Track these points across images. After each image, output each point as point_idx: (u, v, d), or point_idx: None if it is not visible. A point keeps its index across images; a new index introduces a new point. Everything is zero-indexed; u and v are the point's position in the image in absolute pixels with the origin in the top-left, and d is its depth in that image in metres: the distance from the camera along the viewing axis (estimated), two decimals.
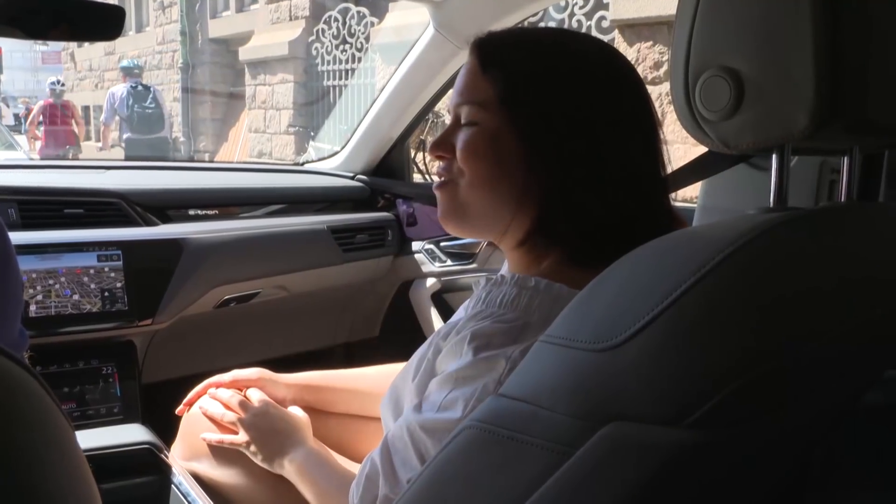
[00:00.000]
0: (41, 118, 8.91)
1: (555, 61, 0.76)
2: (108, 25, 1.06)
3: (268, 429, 1.05)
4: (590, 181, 0.74)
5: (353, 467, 1.00)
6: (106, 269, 1.43)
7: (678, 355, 0.47)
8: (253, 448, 1.05)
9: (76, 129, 9.11)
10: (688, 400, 0.46)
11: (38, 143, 8.99)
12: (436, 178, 0.84)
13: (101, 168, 1.77)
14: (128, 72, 7.76)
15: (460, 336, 0.72)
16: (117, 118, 7.70)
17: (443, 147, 0.81)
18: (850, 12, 0.53)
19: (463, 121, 0.79)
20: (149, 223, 1.57)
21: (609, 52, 0.79)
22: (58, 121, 8.82)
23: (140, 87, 7.61)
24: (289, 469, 1.01)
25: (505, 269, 0.89)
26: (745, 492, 0.61)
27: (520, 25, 1.57)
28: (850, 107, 0.54)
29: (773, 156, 0.60)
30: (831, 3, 0.52)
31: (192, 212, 1.67)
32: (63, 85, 9.47)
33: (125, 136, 7.65)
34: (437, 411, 0.71)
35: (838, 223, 0.58)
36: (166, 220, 1.61)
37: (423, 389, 0.76)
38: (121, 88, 7.59)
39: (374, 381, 1.18)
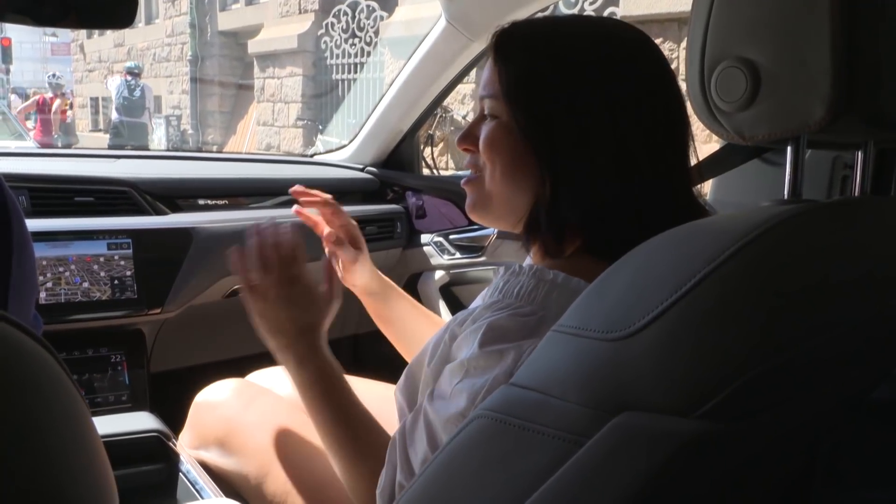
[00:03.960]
0: (32, 110, 10.66)
1: (557, 54, 0.75)
2: (120, 12, 1.06)
3: (290, 317, 0.92)
4: (590, 175, 0.73)
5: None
6: (116, 258, 1.44)
7: (691, 346, 0.47)
8: (260, 322, 0.93)
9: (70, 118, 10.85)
10: (700, 391, 0.46)
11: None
12: (464, 172, 0.86)
13: (111, 157, 1.77)
14: (129, 71, 9.77)
15: (476, 325, 0.72)
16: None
17: (468, 140, 0.82)
18: (866, 4, 0.52)
19: (486, 113, 0.80)
20: (158, 212, 1.57)
21: (628, 45, 0.77)
22: (54, 111, 10.63)
23: (133, 82, 9.66)
24: (298, 376, 0.90)
25: (528, 260, 0.89)
26: (754, 485, 0.61)
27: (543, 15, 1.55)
28: (865, 99, 0.54)
29: (788, 147, 0.59)
30: None
31: (201, 201, 1.66)
32: (59, 77, 11.25)
33: (112, 118, 9.74)
34: (448, 400, 0.71)
35: (853, 216, 0.58)
36: (176, 209, 1.61)
37: (438, 375, 0.76)
38: (117, 79, 9.90)
39: (427, 323, 1.17)
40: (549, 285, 0.72)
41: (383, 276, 1.18)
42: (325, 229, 1.13)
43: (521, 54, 0.77)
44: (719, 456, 0.49)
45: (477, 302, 0.89)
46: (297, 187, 1.13)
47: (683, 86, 0.76)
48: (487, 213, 0.83)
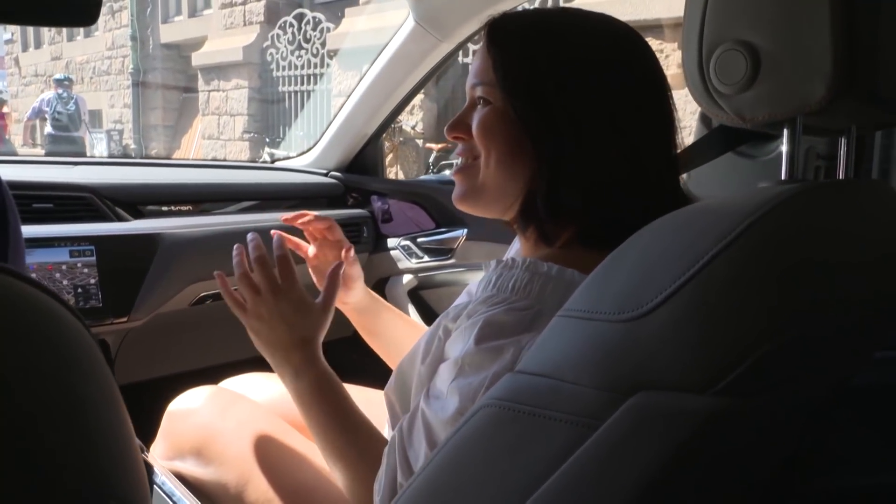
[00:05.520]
0: None
1: (549, 46, 0.76)
2: (84, 9, 1.03)
3: (286, 326, 0.91)
4: (586, 160, 0.74)
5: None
6: (79, 265, 1.39)
7: (705, 323, 0.47)
8: (255, 335, 0.92)
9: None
10: (716, 367, 0.46)
11: None
12: (455, 162, 0.86)
13: (68, 163, 1.72)
14: (59, 83, 9.29)
15: (471, 321, 0.71)
16: (40, 119, 9.41)
17: (459, 128, 0.82)
18: None
19: (478, 98, 0.80)
20: (121, 218, 1.52)
21: (617, 36, 0.79)
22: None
23: (65, 94, 9.16)
24: (295, 387, 0.90)
25: (515, 252, 0.89)
26: (762, 462, 0.62)
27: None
28: (864, 78, 0.55)
29: (785, 130, 0.61)
30: None
31: (164, 207, 1.62)
32: (2, 92, 10.99)
33: (46, 132, 9.20)
34: (445, 399, 0.71)
35: (848, 196, 0.59)
36: (138, 215, 1.57)
37: (433, 373, 0.75)
38: (50, 94, 9.22)
39: (416, 333, 1.15)
40: (543, 278, 0.71)
41: (371, 290, 1.17)
42: (310, 250, 1.12)
43: (516, 41, 0.77)
44: (734, 432, 0.50)
45: (462, 298, 0.89)
46: (286, 216, 1.12)
47: None
48: (479, 202, 0.82)
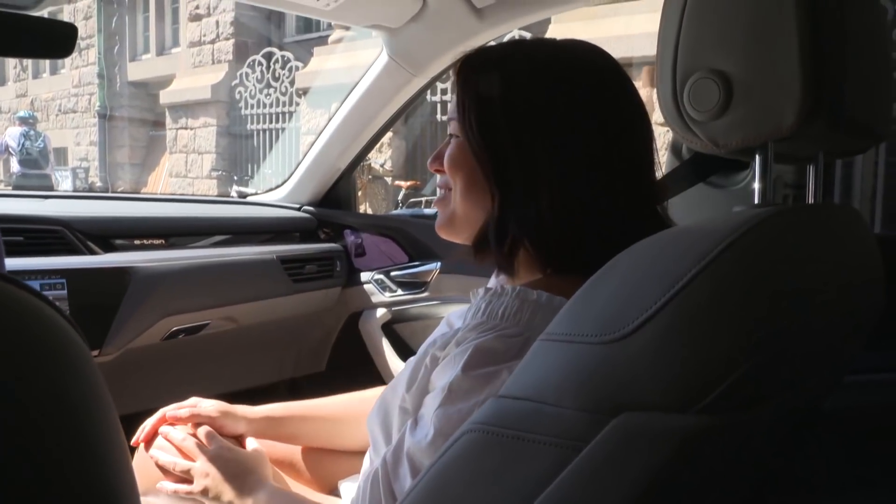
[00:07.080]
0: None
1: (504, 76, 0.77)
2: (59, 43, 1.04)
3: (224, 474, 1.01)
4: (532, 192, 0.75)
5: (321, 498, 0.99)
6: (49, 299, 1.36)
7: (687, 343, 0.48)
8: (211, 495, 1.00)
9: None
10: (698, 386, 0.47)
11: None
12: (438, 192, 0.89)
13: (40, 196, 1.70)
14: (23, 121, 9.45)
15: (461, 348, 0.71)
16: (6, 155, 9.45)
17: (437, 161, 0.85)
18: (828, 15, 0.56)
19: (450, 135, 0.83)
20: (92, 252, 1.50)
21: (582, 63, 0.79)
22: None
23: (32, 132, 9.31)
24: None
25: (500, 279, 0.89)
26: (741, 480, 0.62)
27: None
28: (831, 104, 0.56)
29: (757, 156, 0.62)
30: (812, 5, 0.54)
31: (137, 241, 1.61)
32: None
33: (13, 169, 9.23)
34: (432, 428, 0.70)
35: (823, 219, 0.61)
36: (110, 249, 1.55)
37: (419, 403, 0.75)
38: (16, 130, 9.31)
39: (344, 406, 1.15)
40: (533, 305, 0.72)
41: (254, 409, 1.16)
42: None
43: (473, 77, 0.79)
44: (716, 450, 0.50)
45: (442, 328, 0.89)
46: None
47: None
48: (453, 230, 0.85)
